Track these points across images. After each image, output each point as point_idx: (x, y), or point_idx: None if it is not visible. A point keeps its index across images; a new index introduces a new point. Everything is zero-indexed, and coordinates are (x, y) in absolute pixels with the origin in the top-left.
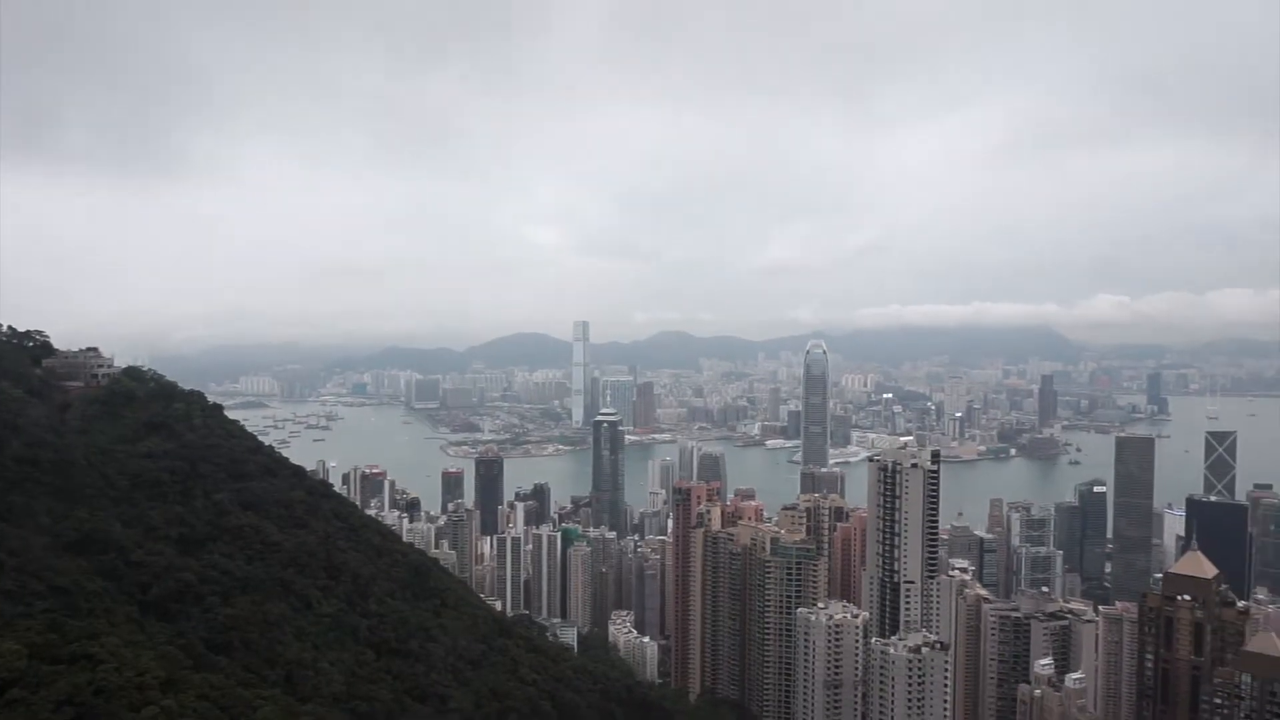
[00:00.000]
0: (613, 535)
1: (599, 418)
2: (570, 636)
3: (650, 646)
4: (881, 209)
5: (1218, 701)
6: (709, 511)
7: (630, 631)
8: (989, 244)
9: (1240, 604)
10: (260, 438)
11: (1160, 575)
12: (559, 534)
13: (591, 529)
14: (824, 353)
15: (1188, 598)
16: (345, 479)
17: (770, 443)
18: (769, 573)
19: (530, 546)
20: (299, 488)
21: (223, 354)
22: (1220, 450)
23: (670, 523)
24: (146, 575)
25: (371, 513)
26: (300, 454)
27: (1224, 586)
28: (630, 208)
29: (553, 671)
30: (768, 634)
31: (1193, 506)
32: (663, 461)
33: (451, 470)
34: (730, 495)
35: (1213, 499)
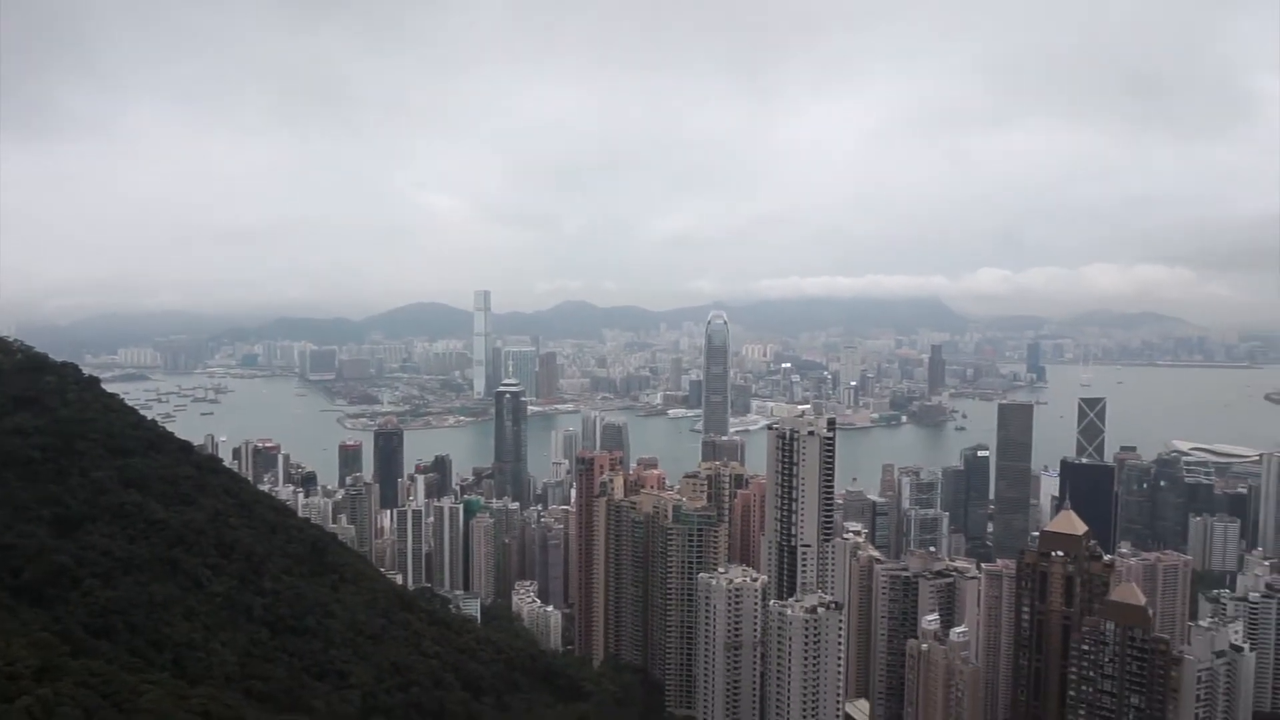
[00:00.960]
0: (516, 506)
1: (501, 388)
2: (473, 608)
3: (554, 615)
4: (779, 182)
5: (1085, 648)
6: (612, 481)
7: (534, 601)
8: (882, 218)
9: (1106, 558)
10: (142, 412)
11: (1037, 533)
12: (461, 506)
13: (494, 500)
14: (725, 323)
15: (1060, 554)
16: (236, 454)
17: (672, 412)
18: (671, 540)
19: (432, 519)
20: (185, 463)
21: (100, 324)
22: (1091, 415)
23: (573, 492)
24: (17, 559)
25: (265, 488)
26: (187, 428)
27: (1092, 542)
28: (531, 176)
29: (456, 643)
30: (670, 599)
31: (1066, 468)
32: (566, 432)
33: (349, 443)
34: (633, 464)
35: (1084, 461)
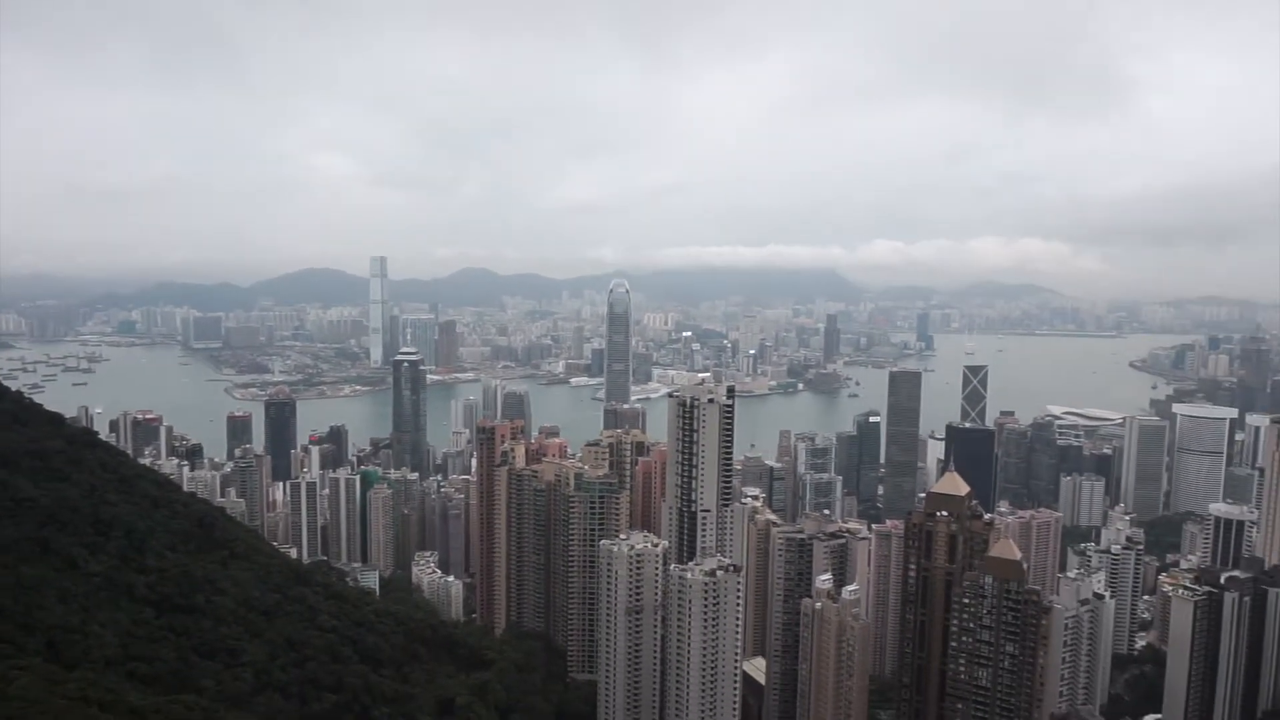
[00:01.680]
0: (415, 476)
1: (399, 357)
2: (372, 580)
3: (455, 586)
4: (681, 152)
5: (966, 601)
6: (513, 450)
7: (434, 572)
8: (782, 189)
9: (986, 517)
10: (6, 383)
11: (923, 495)
12: (358, 477)
13: (393, 471)
14: (626, 291)
15: (945, 514)
16: (114, 426)
17: (574, 380)
18: (573, 508)
19: (327, 491)
20: (57, 437)
21: None
22: (975, 382)
23: (474, 462)
24: None
25: (146, 462)
26: (57, 400)
27: (974, 502)
28: (430, 140)
29: (354, 616)
30: (572, 567)
31: (951, 433)
32: (466, 401)
33: (238, 414)
34: (535, 433)
35: (967, 426)
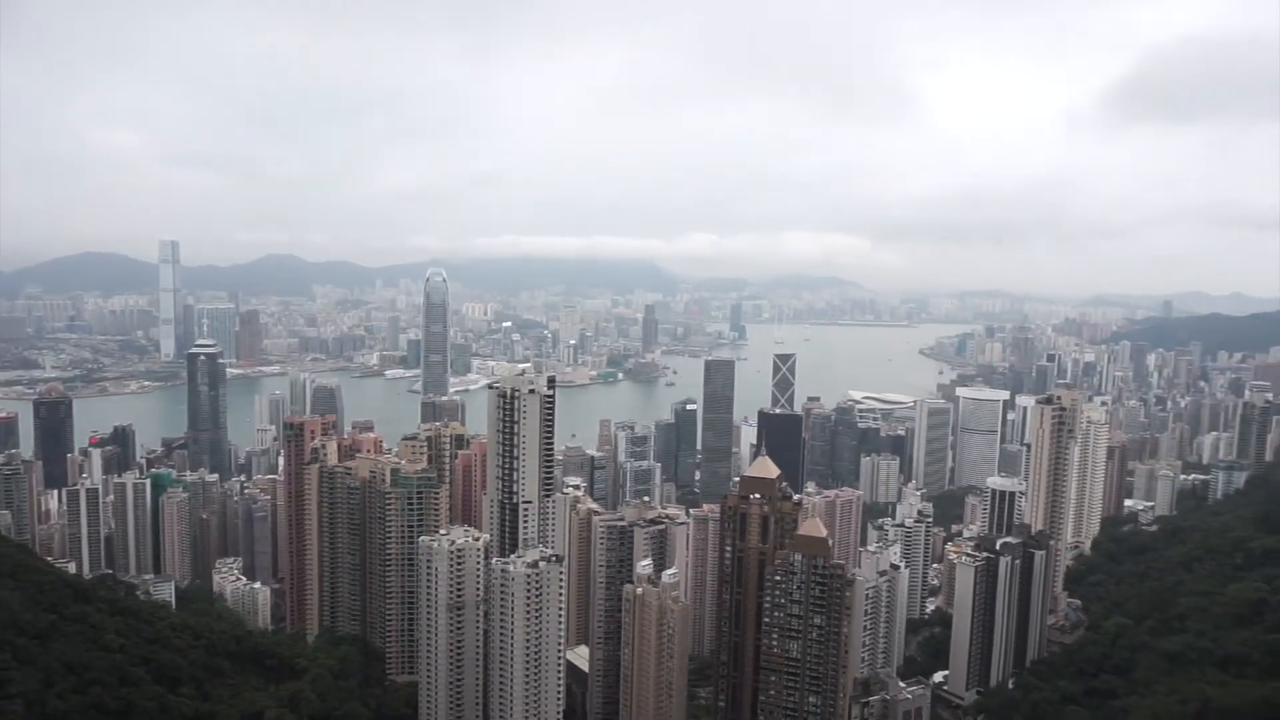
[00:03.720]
0: (215, 478)
1: (195, 350)
2: (166, 592)
3: (262, 592)
4: (501, 141)
5: (777, 579)
6: (324, 446)
7: (238, 579)
8: (604, 180)
9: (795, 497)
10: None
11: (737, 479)
12: (148, 481)
13: (189, 473)
14: (444, 281)
15: (757, 496)
16: None
17: (390, 373)
18: (390, 504)
19: (112, 498)
20: None
21: None
22: (784, 370)
23: (281, 461)
24: None
25: None
26: None
27: (784, 484)
28: (236, 120)
29: (145, 633)
30: (389, 565)
31: (763, 418)
32: (272, 396)
33: (1, 415)
34: (347, 428)
35: (778, 411)
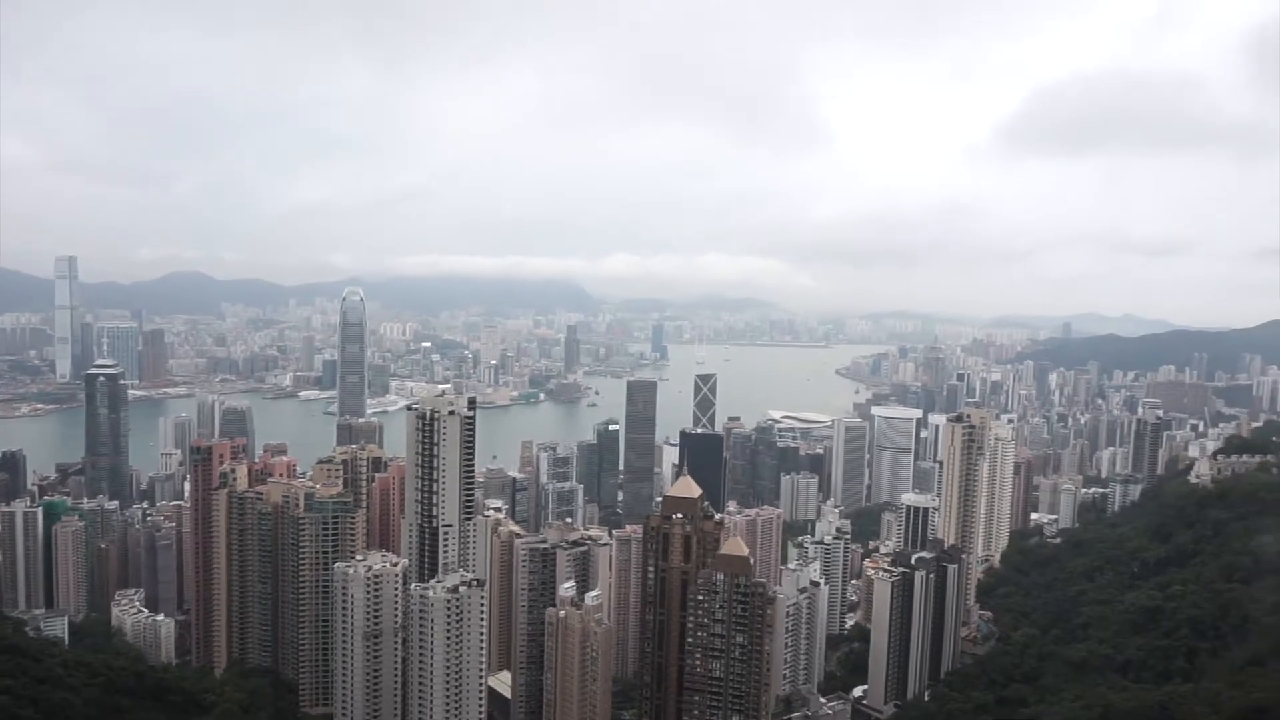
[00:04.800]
0: (115, 505)
1: (93, 370)
2: (59, 628)
3: (165, 625)
4: (423, 157)
5: (700, 598)
6: (234, 470)
7: (140, 612)
8: (525, 200)
9: (717, 517)
10: None
11: (660, 499)
12: (40, 509)
13: (86, 500)
14: (361, 300)
15: (680, 516)
16: None
17: (304, 394)
18: (303, 530)
19: None
20: None
21: None
22: (705, 390)
23: (188, 486)
24: None
25: None
26: None
27: (706, 503)
28: (139, 131)
29: (34, 672)
30: (303, 594)
31: (684, 438)
32: (178, 419)
33: None
34: (259, 451)
35: (699, 431)
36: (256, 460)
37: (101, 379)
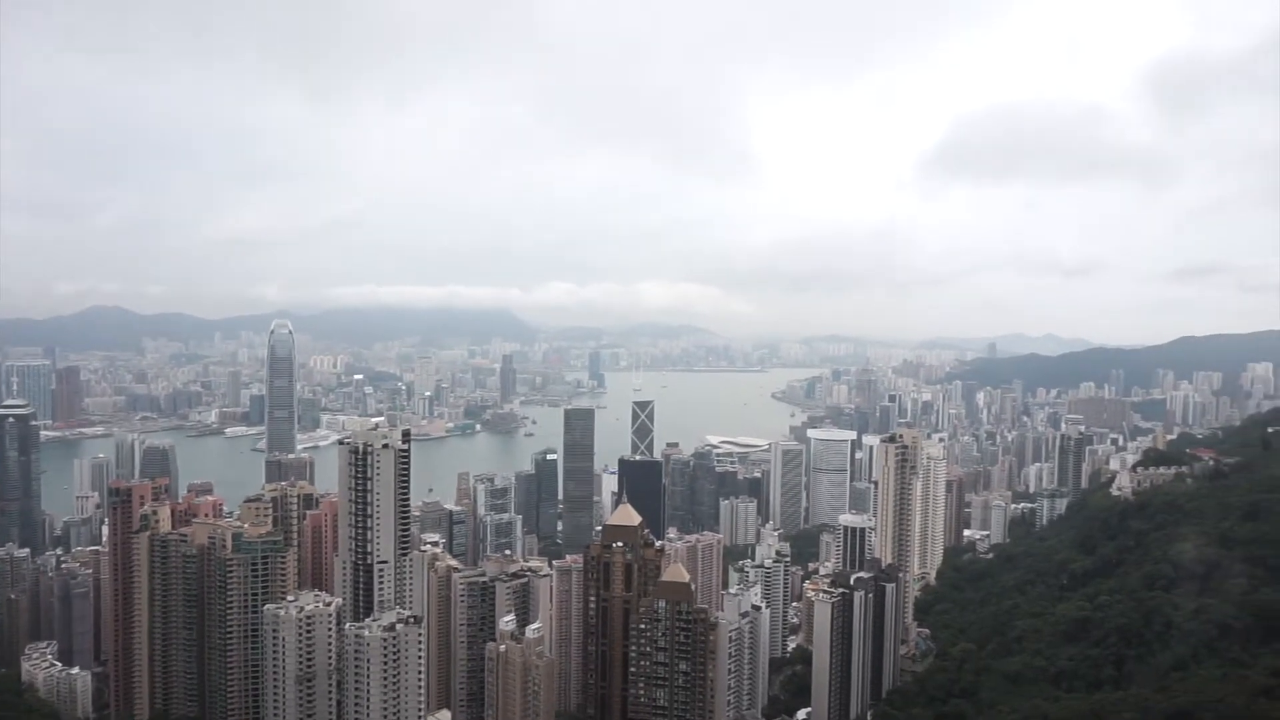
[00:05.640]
0: (25, 553)
1: (3, 410)
2: None
3: (81, 678)
4: (349, 187)
5: (642, 626)
6: (155, 512)
7: (53, 665)
8: (460, 230)
9: (658, 544)
10: None
11: (600, 528)
12: None
13: None
14: (290, 332)
15: (620, 544)
16: None
17: (230, 430)
18: (231, 572)
19: None
20: None
21: None
22: (643, 417)
23: (105, 530)
24: None
25: None
26: None
27: (646, 531)
28: (51, 158)
29: None
30: (230, 638)
31: (623, 466)
32: (95, 459)
33: None
34: (183, 491)
35: (638, 458)
36: (180, 501)
37: (10, 419)
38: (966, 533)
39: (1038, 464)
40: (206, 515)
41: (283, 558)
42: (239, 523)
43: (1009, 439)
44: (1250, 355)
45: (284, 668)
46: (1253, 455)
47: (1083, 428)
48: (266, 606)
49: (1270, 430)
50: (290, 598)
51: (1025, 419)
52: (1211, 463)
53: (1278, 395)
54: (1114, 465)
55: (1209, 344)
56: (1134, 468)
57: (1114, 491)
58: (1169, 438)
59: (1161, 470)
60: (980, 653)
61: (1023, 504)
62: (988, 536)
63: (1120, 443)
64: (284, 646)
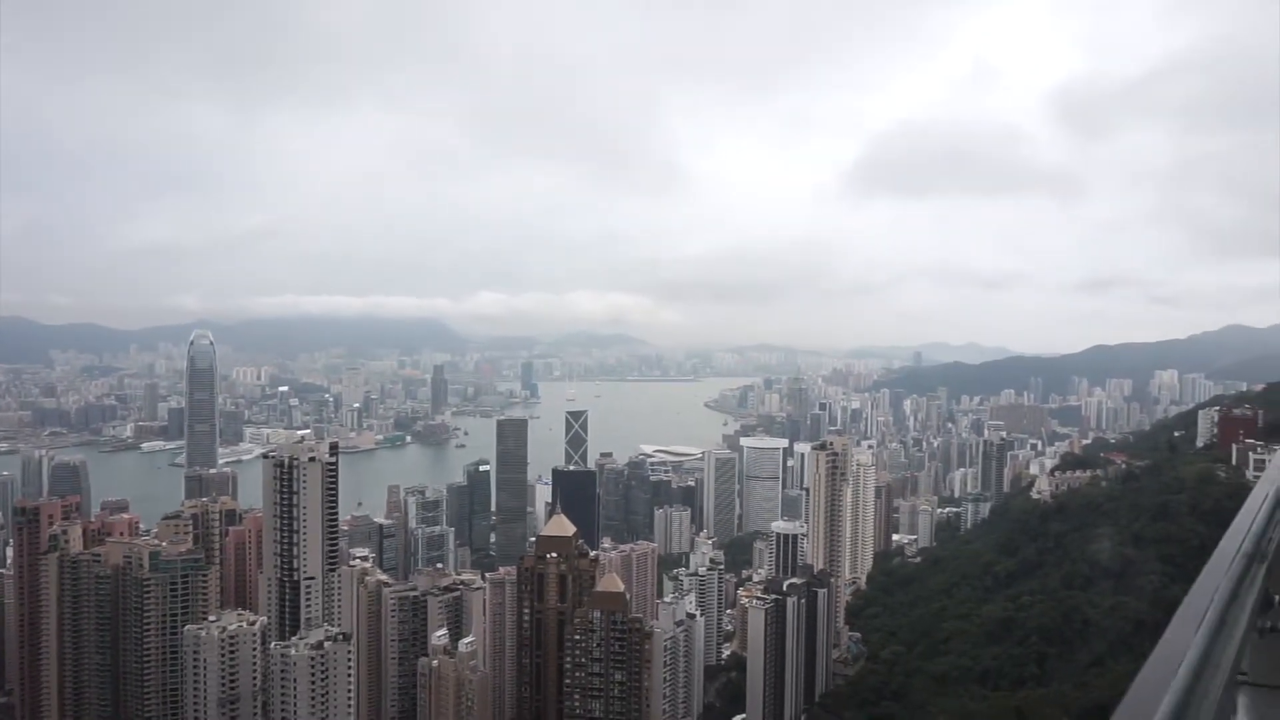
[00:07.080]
0: None
1: None
2: None
3: None
4: (276, 195)
5: (577, 637)
6: (65, 532)
7: None
8: (387, 239)
9: (592, 554)
10: None
11: (534, 539)
12: None
13: None
14: (211, 344)
15: (554, 555)
16: None
17: (147, 445)
18: (148, 592)
19: None
20: None
21: None
22: (576, 427)
23: (10, 551)
24: None
25: None
26: None
27: (580, 541)
28: None
29: None
30: (148, 661)
31: (557, 476)
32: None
33: None
34: (96, 509)
35: (572, 468)
36: (93, 519)
37: None
38: (895, 537)
39: (962, 469)
40: (121, 534)
41: (204, 576)
42: (156, 541)
43: (935, 445)
44: (1157, 363)
45: (206, 690)
46: (1160, 458)
47: (1004, 434)
48: (187, 627)
49: (1175, 434)
50: (212, 618)
51: (950, 425)
52: (1124, 466)
53: (1183, 401)
54: (1034, 470)
55: (1120, 353)
56: (1052, 472)
57: (1034, 495)
58: (1084, 442)
59: (1078, 474)
60: (910, 655)
61: (948, 508)
62: (916, 541)
63: (1039, 448)
64: (205, 668)
